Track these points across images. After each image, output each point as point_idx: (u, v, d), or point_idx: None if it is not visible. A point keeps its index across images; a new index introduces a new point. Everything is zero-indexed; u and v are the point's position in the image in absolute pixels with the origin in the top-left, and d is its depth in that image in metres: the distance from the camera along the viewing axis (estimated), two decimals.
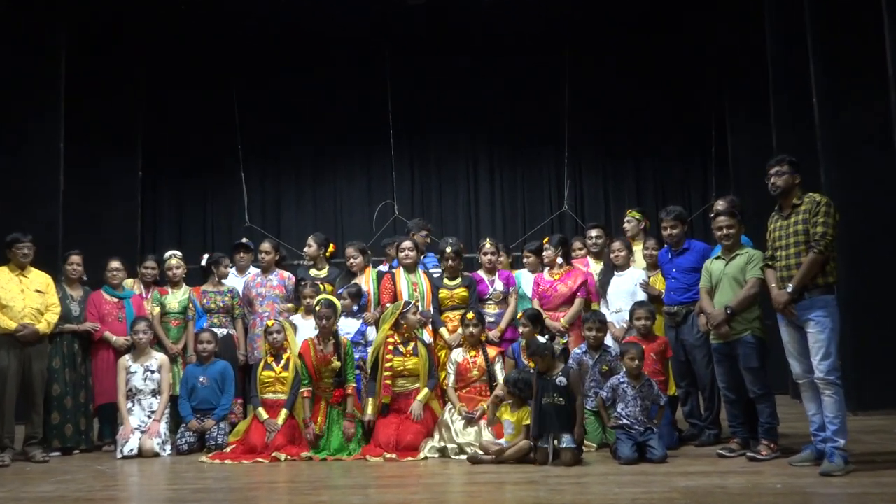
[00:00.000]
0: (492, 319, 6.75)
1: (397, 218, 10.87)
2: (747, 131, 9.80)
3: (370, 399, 6.30)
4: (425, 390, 6.28)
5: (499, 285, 6.90)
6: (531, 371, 5.88)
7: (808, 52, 7.61)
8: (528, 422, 5.66)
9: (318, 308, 6.40)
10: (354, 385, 6.40)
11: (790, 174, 5.33)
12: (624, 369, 5.89)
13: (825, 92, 7.50)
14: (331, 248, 7.56)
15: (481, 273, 7.00)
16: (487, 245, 7.02)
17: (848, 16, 7.36)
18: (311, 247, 7.45)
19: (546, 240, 7.09)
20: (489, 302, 6.86)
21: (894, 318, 7.04)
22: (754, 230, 6.44)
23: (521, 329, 6.23)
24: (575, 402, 5.56)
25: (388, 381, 6.31)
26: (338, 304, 6.55)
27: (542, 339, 5.74)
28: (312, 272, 7.39)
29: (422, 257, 7.52)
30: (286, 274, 7.46)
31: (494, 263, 6.98)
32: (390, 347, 6.39)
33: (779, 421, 5.66)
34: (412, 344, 6.40)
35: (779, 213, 5.45)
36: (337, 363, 6.34)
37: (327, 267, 7.45)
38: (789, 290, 5.17)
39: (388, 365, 6.32)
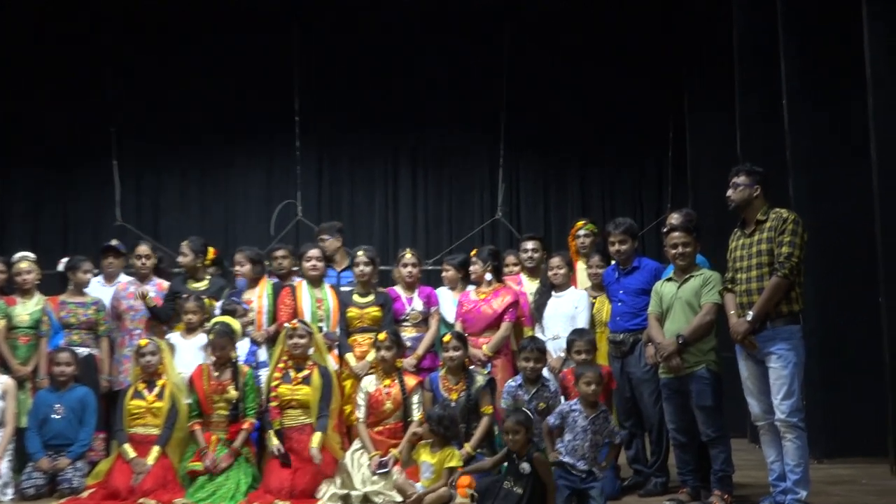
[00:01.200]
0: (408, 344, 6.76)
1: (301, 221, 10.80)
2: (709, 135, 9.96)
3: (270, 432, 6.33)
4: (317, 434, 6.27)
5: (417, 304, 6.93)
6: (454, 405, 5.91)
7: (780, 47, 7.78)
8: (451, 464, 5.67)
9: (212, 336, 6.42)
10: (253, 421, 6.39)
11: (747, 186, 5.47)
12: (573, 398, 5.91)
13: (797, 92, 7.68)
14: (210, 253, 7.43)
15: (398, 289, 7.02)
16: (408, 256, 7.04)
17: (825, 11, 7.56)
18: (185, 255, 7.29)
19: (474, 252, 7.14)
20: (405, 323, 6.88)
21: (866, 353, 7.20)
22: (713, 249, 6.60)
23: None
24: (536, 496, 5.37)
25: (276, 410, 6.37)
26: (237, 327, 6.56)
27: (524, 408, 5.71)
28: (191, 285, 7.25)
29: (339, 270, 7.55)
30: (165, 284, 7.37)
31: (415, 278, 7.01)
32: (278, 375, 6.43)
33: (734, 468, 5.80)
34: (306, 371, 6.40)
35: (741, 230, 5.59)
36: (233, 393, 6.34)
37: (208, 278, 7.34)
38: (749, 317, 5.32)
39: (273, 395, 6.37)
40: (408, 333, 6.83)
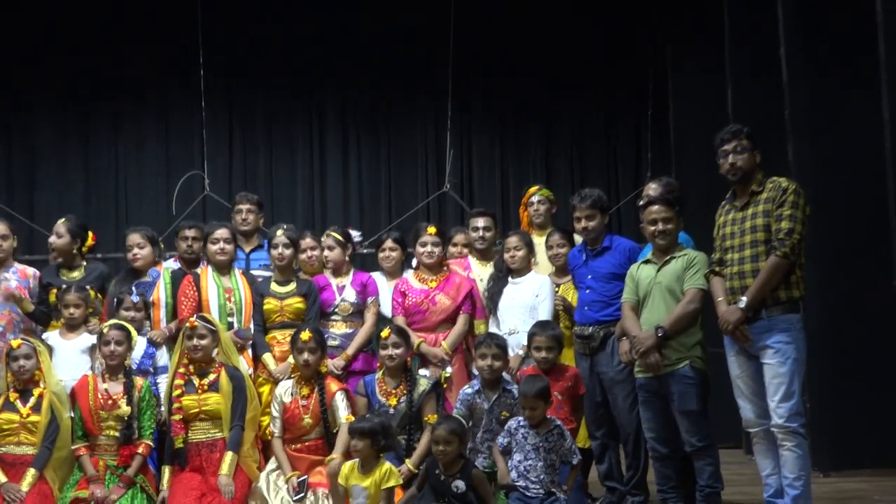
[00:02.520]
0: (336, 342, 6.80)
1: (208, 196, 10.72)
2: (694, 92, 9.97)
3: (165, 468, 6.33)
4: (228, 456, 6.21)
5: (349, 293, 6.96)
6: (392, 411, 5.99)
7: None
8: (390, 484, 5.66)
9: (105, 334, 6.38)
10: (149, 443, 6.36)
11: (751, 152, 5.54)
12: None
13: (798, 44, 7.72)
14: (89, 238, 7.33)
15: (327, 275, 7.04)
16: (324, 237, 7.12)
17: None
18: (60, 236, 7.20)
19: (432, 229, 7.09)
20: (334, 317, 6.92)
21: (878, 347, 7.30)
22: (698, 226, 6.66)
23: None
24: None
25: (179, 425, 6.34)
26: (132, 331, 6.51)
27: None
28: (65, 274, 7.16)
29: (248, 251, 7.58)
30: (30, 271, 7.26)
31: (333, 262, 7.04)
32: (180, 382, 6.40)
33: (723, 484, 5.89)
34: (212, 376, 6.39)
35: (731, 203, 5.66)
36: (126, 409, 6.29)
37: (83, 265, 7.26)
38: (742, 304, 5.38)
39: (175, 406, 6.35)
40: (337, 329, 6.86)
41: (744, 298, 5.37)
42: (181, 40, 10.75)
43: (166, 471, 6.29)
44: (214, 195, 10.66)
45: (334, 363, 6.69)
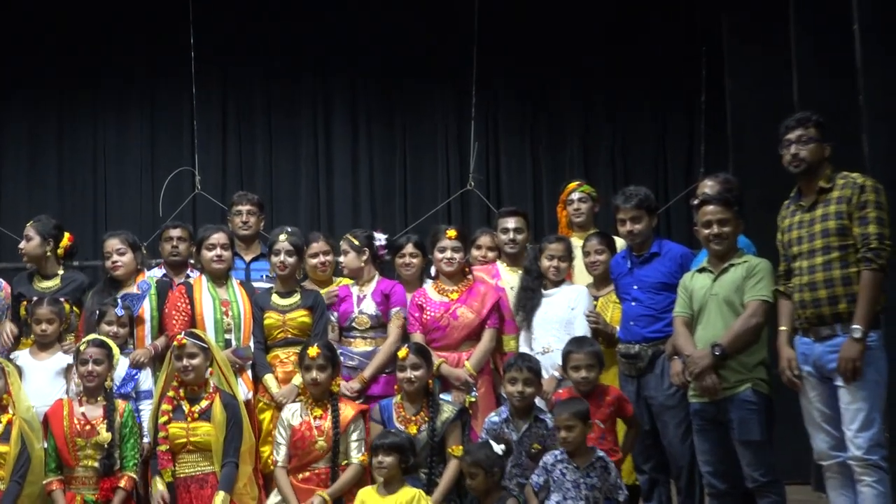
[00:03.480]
0: (354, 363, 6.83)
1: (199, 195, 10.73)
2: (754, 77, 9.87)
3: (156, 479, 6.31)
4: (220, 497, 6.20)
5: (368, 305, 6.96)
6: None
7: None
8: None
9: (82, 351, 6.37)
10: (133, 476, 6.36)
11: (819, 143, 5.50)
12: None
13: (874, 20, 7.67)
14: (65, 239, 7.34)
15: (352, 285, 7.09)
16: (342, 242, 7.12)
17: None
18: (30, 239, 7.22)
19: (452, 233, 7.06)
20: (353, 332, 6.93)
21: None
22: (758, 230, 6.61)
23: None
24: None
25: (166, 456, 6.35)
26: (114, 348, 6.51)
27: (496, 447, 5.76)
28: (38, 284, 7.19)
29: (249, 259, 7.62)
30: None
31: (350, 269, 7.07)
32: (167, 408, 6.40)
33: None
34: (205, 402, 6.39)
35: (796, 203, 5.63)
36: (106, 436, 6.29)
37: (60, 272, 7.27)
38: (857, 334, 5.25)
39: (161, 435, 6.35)
40: (356, 347, 6.90)
41: (857, 326, 5.27)
42: (169, 16, 10.73)
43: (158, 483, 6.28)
44: (206, 194, 10.66)
45: (349, 386, 6.70)
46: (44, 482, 6.30)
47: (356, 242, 7.08)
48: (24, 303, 7.00)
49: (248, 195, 8.01)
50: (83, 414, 6.34)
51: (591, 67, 11.34)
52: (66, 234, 7.37)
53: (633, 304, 6.43)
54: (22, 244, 7.28)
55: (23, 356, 6.82)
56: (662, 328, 6.26)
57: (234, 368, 6.74)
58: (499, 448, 5.73)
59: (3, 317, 7.12)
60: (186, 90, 10.80)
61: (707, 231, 5.89)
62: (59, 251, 7.29)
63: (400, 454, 5.82)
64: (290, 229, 7.16)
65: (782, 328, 5.55)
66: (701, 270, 5.99)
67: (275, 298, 6.95)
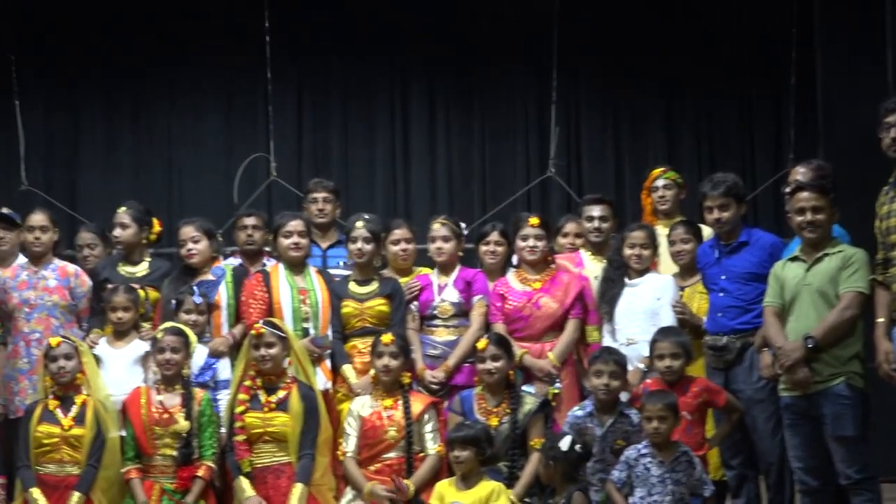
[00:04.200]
0: (436, 352, 6.84)
1: (275, 181, 10.79)
2: (847, 58, 9.78)
3: (241, 479, 6.34)
4: (298, 489, 6.24)
5: (451, 293, 6.99)
6: (493, 433, 6.03)
7: None
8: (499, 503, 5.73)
9: (159, 339, 6.44)
10: (211, 465, 6.41)
11: None
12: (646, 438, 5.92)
13: None
14: (155, 226, 7.50)
15: (432, 274, 7.12)
16: (436, 226, 7.12)
17: None
18: (126, 227, 7.36)
19: (535, 220, 7.05)
20: (435, 322, 6.95)
21: None
22: (855, 217, 6.51)
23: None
24: None
25: (244, 446, 6.39)
26: (191, 335, 6.58)
27: (563, 442, 5.77)
28: (124, 268, 7.31)
29: (326, 247, 7.63)
30: (71, 268, 7.37)
31: (447, 255, 7.06)
32: (244, 398, 6.44)
33: None
34: (282, 392, 6.42)
35: (895, 189, 5.54)
36: (184, 424, 6.35)
37: (148, 259, 7.41)
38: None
39: (238, 425, 6.40)
40: (438, 336, 6.91)
41: (880, 320, 5.23)
42: (245, 4, 10.79)
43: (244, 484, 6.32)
44: (281, 181, 10.70)
45: (433, 374, 6.74)
46: (122, 470, 6.38)
47: (456, 229, 7.12)
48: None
49: (323, 182, 8.04)
50: (161, 402, 6.41)
51: (674, 50, 11.24)
52: (156, 220, 7.53)
53: (721, 294, 6.41)
54: (117, 231, 7.39)
55: (100, 345, 6.91)
56: (751, 319, 6.23)
57: (312, 358, 6.78)
58: (564, 443, 5.70)
59: (80, 305, 7.24)
60: (261, 75, 10.84)
61: (800, 219, 5.82)
62: (152, 237, 7.44)
63: (476, 446, 5.83)
64: (367, 216, 7.19)
65: (879, 319, 5.48)
66: (793, 259, 5.93)
67: (352, 287, 6.98)
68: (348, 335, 6.90)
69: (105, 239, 7.47)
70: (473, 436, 5.83)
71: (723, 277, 6.41)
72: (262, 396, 6.43)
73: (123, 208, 7.46)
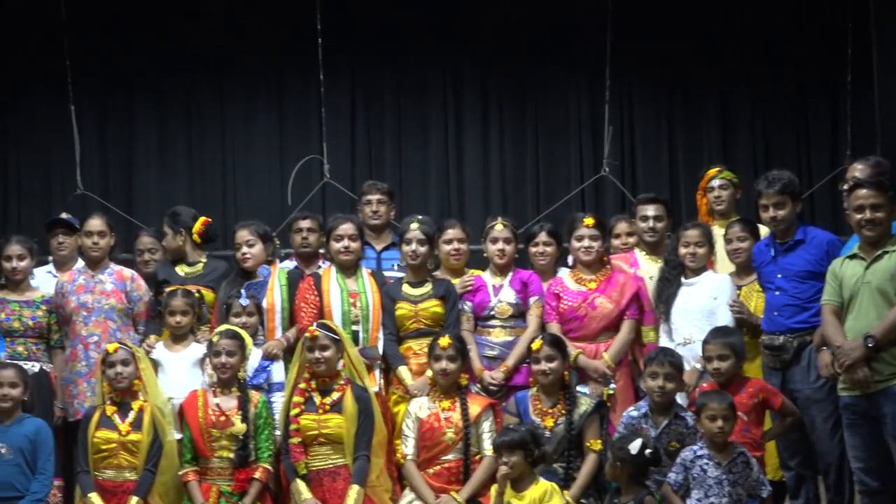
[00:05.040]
0: (494, 352, 6.85)
1: (328, 183, 10.83)
2: None
3: (298, 482, 6.36)
4: (354, 490, 6.25)
5: (507, 293, 6.99)
6: (549, 434, 6.07)
7: None
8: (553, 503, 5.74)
9: (215, 343, 6.49)
10: (268, 467, 6.45)
11: None
12: (701, 440, 5.91)
13: None
14: (198, 224, 7.53)
15: (485, 275, 7.11)
16: (499, 227, 7.10)
17: None
18: (165, 235, 7.51)
19: (590, 220, 7.05)
20: (492, 322, 6.96)
21: None
22: None
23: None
24: None
25: (299, 448, 6.42)
26: (247, 339, 6.62)
27: (633, 445, 5.75)
28: (181, 269, 7.40)
29: (380, 249, 7.69)
30: (128, 272, 7.45)
31: (508, 257, 7.06)
32: (299, 400, 6.48)
33: None
34: (336, 394, 6.45)
35: None
36: (241, 426, 6.39)
37: (203, 260, 7.48)
38: None
39: (293, 428, 6.43)
40: (495, 337, 6.92)
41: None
42: (296, 3, 10.82)
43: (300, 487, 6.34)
44: (335, 182, 10.74)
45: (492, 375, 6.75)
46: (180, 473, 6.43)
47: (514, 230, 7.14)
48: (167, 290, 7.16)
49: (377, 184, 8.07)
50: (217, 405, 6.46)
51: (728, 47, 11.20)
52: (200, 219, 7.55)
53: (777, 293, 6.39)
54: (164, 241, 7.51)
55: (158, 349, 6.98)
56: (808, 318, 6.21)
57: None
58: (634, 446, 5.69)
59: (136, 309, 7.31)
60: (314, 77, 10.85)
61: (859, 216, 5.77)
62: (195, 237, 7.48)
63: (524, 449, 5.81)
64: (421, 218, 7.20)
65: None
66: (852, 257, 5.88)
67: (406, 289, 7.01)
68: (403, 337, 6.93)
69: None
70: (519, 439, 5.82)
71: (779, 276, 6.39)
72: (317, 398, 6.45)
73: (170, 214, 7.57)
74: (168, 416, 6.58)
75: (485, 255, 7.21)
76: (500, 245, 7.05)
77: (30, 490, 6.52)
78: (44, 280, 7.62)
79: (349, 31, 11.06)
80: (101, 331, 7.14)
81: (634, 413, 6.20)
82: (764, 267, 6.54)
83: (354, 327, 6.94)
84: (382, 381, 6.98)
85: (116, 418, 6.48)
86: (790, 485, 6.41)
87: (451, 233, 7.14)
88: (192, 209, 7.68)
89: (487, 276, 7.08)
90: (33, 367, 7.10)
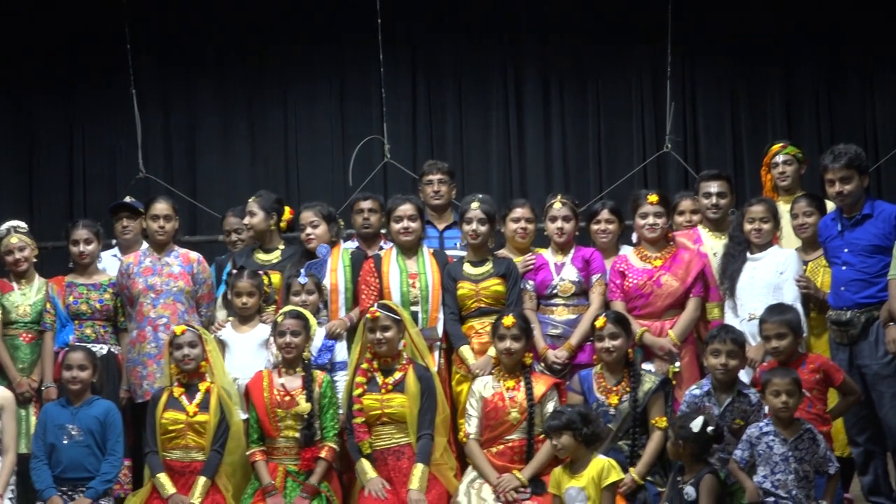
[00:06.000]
0: (557, 331, 6.86)
1: (389, 163, 10.87)
2: None
3: (362, 461, 6.41)
4: (419, 469, 6.30)
5: (570, 272, 6.98)
6: (613, 412, 6.11)
7: None
8: (611, 480, 5.76)
9: (279, 323, 6.54)
10: (334, 446, 6.49)
11: None
12: (766, 415, 5.89)
13: None
14: (287, 213, 7.63)
15: (546, 253, 7.10)
16: (557, 205, 7.10)
17: None
18: (254, 215, 7.50)
19: (654, 197, 7.03)
20: (555, 301, 6.96)
21: None
22: None
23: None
24: None
25: (363, 428, 6.47)
26: (311, 319, 6.67)
27: (694, 423, 5.74)
28: (258, 257, 7.47)
29: (442, 228, 7.75)
30: (194, 255, 7.55)
31: (568, 235, 7.06)
32: (361, 380, 6.53)
33: None
34: (398, 374, 6.50)
35: None
36: (306, 406, 6.43)
37: (281, 247, 7.54)
38: None
39: (356, 408, 6.48)
40: (558, 315, 6.93)
41: None
42: None
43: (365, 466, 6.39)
44: (396, 162, 10.78)
45: (556, 354, 6.77)
46: (247, 453, 6.49)
47: (574, 208, 7.14)
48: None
49: (438, 164, 8.08)
50: (282, 385, 6.49)
51: (791, 21, 11.11)
52: (287, 208, 7.64)
53: (844, 268, 6.35)
54: (246, 219, 7.53)
55: (225, 330, 7.05)
56: (876, 293, 6.18)
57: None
58: (696, 425, 5.68)
59: (201, 291, 7.41)
60: (374, 59, 10.90)
61: None
62: (282, 224, 7.56)
63: (572, 430, 5.81)
64: (481, 197, 7.20)
65: None
66: None
67: (467, 268, 7.02)
68: (465, 316, 6.94)
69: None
70: (566, 421, 5.81)
71: (845, 251, 6.35)
72: (379, 379, 6.50)
73: (253, 197, 7.58)
74: (234, 398, 6.64)
75: (545, 233, 7.21)
76: (559, 223, 7.05)
77: (100, 471, 6.60)
78: (109, 263, 7.74)
79: (409, 12, 11.11)
80: (170, 313, 7.21)
81: (697, 391, 6.16)
82: (830, 242, 6.50)
83: (414, 308, 6.96)
84: (443, 360, 7.00)
85: (184, 399, 6.54)
86: (858, 461, 6.38)
87: (518, 211, 7.14)
88: (276, 195, 7.74)
89: (549, 255, 7.07)
90: (101, 349, 7.20)
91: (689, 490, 5.57)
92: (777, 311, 6.18)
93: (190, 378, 6.60)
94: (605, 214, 7.18)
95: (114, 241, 8.08)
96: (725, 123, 11.29)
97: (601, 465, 5.78)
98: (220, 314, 7.40)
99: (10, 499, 6.61)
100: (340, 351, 6.94)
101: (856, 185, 6.35)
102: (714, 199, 7.16)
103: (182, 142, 11.39)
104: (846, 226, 6.39)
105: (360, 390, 6.49)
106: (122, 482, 6.92)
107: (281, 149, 11.40)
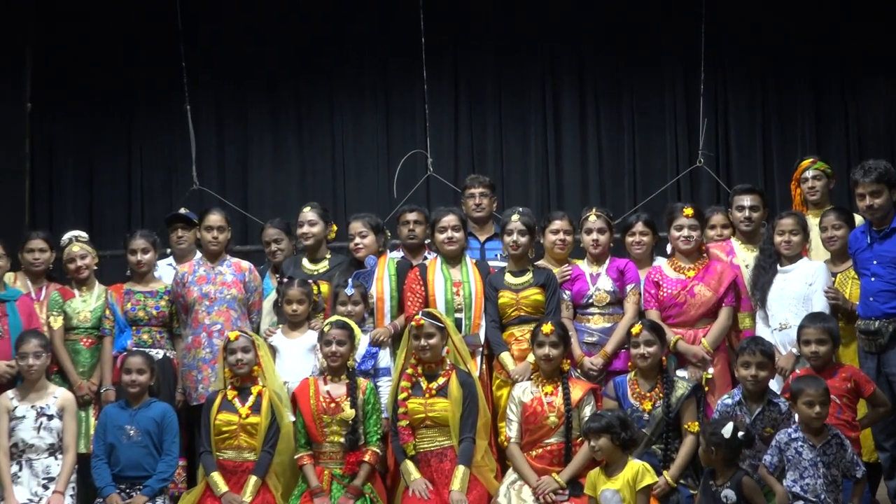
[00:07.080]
0: (593, 339, 6.89)
1: (432, 177, 10.89)
2: None
3: (407, 463, 6.44)
4: (460, 471, 6.32)
5: (605, 282, 7.01)
6: (647, 417, 6.10)
7: None
8: (646, 482, 5.75)
9: (326, 332, 6.58)
10: (377, 450, 6.52)
11: None
12: (795, 423, 5.87)
13: None
14: (333, 227, 7.75)
15: (582, 264, 7.13)
16: (592, 218, 7.13)
17: None
18: (314, 224, 7.57)
19: (689, 211, 7.03)
20: (591, 310, 6.99)
21: None
22: None
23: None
24: None
25: (407, 431, 6.51)
26: (355, 328, 6.71)
27: (726, 429, 5.73)
28: (306, 267, 7.51)
29: (483, 240, 7.76)
30: (245, 264, 7.59)
31: (603, 246, 7.09)
32: (406, 385, 6.56)
33: None
34: (442, 379, 6.53)
35: None
36: (350, 412, 6.48)
37: (328, 257, 7.61)
38: None
39: (401, 411, 6.51)
40: (594, 324, 6.96)
41: None
42: (400, 3, 10.90)
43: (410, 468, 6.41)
44: (439, 176, 10.79)
45: (592, 361, 6.80)
46: (295, 457, 6.53)
47: (609, 220, 7.16)
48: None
49: (479, 178, 8.11)
50: (328, 392, 6.53)
51: (821, 38, 11.03)
52: (332, 224, 7.74)
53: (873, 279, 6.32)
54: (305, 228, 7.56)
55: (276, 336, 7.10)
56: None
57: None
58: (727, 430, 5.67)
59: (251, 299, 7.45)
60: (418, 76, 10.92)
61: None
62: (331, 235, 7.66)
63: (610, 433, 5.82)
64: (521, 209, 7.23)
65: None
66: None
67: (507, 278, 7.05)
68: (505, 324, 6.98)
69: (290, 234, 7.66)
70: (606, 423, 5.82)
71: (875, 262, 6.33)
72: (423, 383, 6.53)
73: (309, 207, 7.64)
74: (285, 401, 6.69)
75: (581, 245, 7.23)
76: (594, 235, 7.08)
77: (157, 470, 6.67)
78: (165, 272, 7.82)
79: (452, 29, 11.14)
80: (224, 319, 7.25)
81: (728, 401, 6.17)
82: (860, 253, 6.48)
83: (458, 315, 7.00)
84: (484, 366, 7.02)
85: (237, 402, 6.60)
86: (885, 466, 6.35)
87: (558, 223, 7.19)
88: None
89: (585, 266, 7.11)
90: (157, 353, 7.24)
91: (729, 493, 5.56)
92: (819, 318, 6.21)
93: (243, 382, 6.65)
94: (639, 227, 7.21)
95: (169, 251, 8.16)
96: (756, 139, 11.23)
97: (636, 469, 5.78)
98: (265, 320, 7.47)
99: (71, 496, 6.69)
100: (384, 358, 6.98)
101: (885, 199, 6.33)
102: (747, 213, 7.16)
103: (234, 156, 11.42)
104: (875, 238, 6.37)
105: (404, 394, 6.53)
106: (177, 481, 6.97)
107: (329, 163, 11.42)
